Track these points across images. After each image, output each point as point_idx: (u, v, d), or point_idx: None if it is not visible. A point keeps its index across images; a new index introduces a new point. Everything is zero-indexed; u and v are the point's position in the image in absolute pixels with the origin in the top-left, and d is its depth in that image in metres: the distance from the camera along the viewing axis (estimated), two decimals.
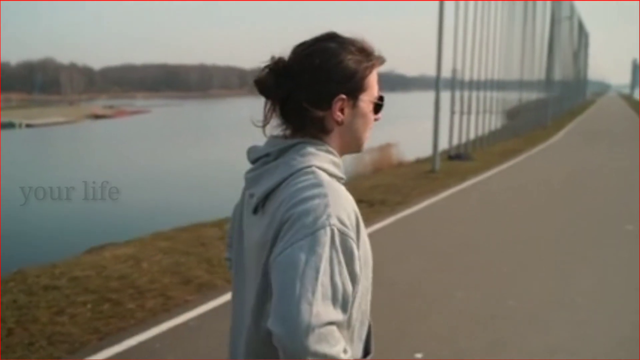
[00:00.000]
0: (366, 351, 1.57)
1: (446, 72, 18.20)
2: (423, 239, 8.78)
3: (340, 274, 1.32)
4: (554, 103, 50.62)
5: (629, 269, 7.10)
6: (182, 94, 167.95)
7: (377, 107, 1.57)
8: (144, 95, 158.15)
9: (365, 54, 1.53)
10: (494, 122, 32.15)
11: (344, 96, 1.49)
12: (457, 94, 21.24)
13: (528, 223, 9.68)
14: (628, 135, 32.16)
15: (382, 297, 4.27)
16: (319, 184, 1.40)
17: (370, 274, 1.52)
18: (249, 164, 1.58)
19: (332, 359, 1.27)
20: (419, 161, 19.52)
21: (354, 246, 1.37)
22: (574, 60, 60.17)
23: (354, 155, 1.77)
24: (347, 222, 1.37)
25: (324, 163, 1.48)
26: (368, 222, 8.25)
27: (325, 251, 1.31)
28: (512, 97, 38.55)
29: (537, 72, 40.15)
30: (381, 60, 1.56)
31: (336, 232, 1.34)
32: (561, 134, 32.06)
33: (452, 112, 20.16)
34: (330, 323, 1.28)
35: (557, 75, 50.23)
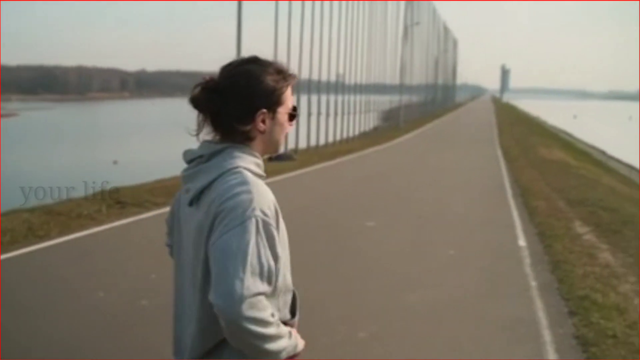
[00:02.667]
0: (292, 314, 1.88)
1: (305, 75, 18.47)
2: None
3: (265, 254, 1.65)
4: (417, 106, 52.32)
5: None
6: (59, 97, 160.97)
7: (292, 116, 1.90)
8: (20, 98, 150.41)
9: (282, 75, 1.85)
10: (366, 123, 33.17)
11: (264, 110, 1.81)
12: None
13: None
14: (477, 137, 33.70)
15: None
16: (245, 182, 1.72)
17: (288, 252, 1.83)
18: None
19: (262, 321, 1.62)
20: None
21: (275, 232, 1.71)
22: (435, 65, 62.22)
23: None
24: (268, 213, 1.70)
25: (249, 164, 1.79)
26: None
27: (252, 237, 1.64)
28: (383, 100, 39.80)
29: (394, 77, 41.26)
30: (294, 79, 1.88)
31: (260, 221, 1.67)
32: (408, 136, 32.94)
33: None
34: (259, 294, 1.62)
35: (418, 79, 51.83)
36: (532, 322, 5.46)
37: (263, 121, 1.81)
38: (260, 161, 1.84)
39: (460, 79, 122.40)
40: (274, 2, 20.03)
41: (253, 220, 1.65)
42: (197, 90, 1.80)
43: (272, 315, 1.66)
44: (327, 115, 25.34)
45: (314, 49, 23.67)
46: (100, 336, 4.88)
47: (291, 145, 21.72)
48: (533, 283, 6.73)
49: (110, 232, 8.82)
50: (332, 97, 26.67)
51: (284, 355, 1.74)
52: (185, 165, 1.86)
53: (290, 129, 1.92)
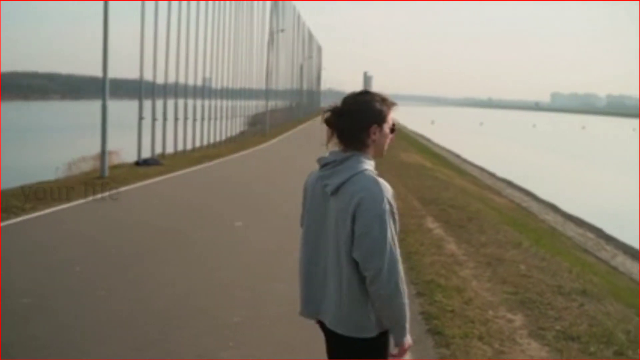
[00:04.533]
0: None
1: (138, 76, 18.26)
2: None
3: (394, 233, 2.49)
4: (283, 111, 53.17)
5: None
6: None
7: (392, 130, 2.65)
8: None
9: (385, 102, 2.63)
10: (233, 128, 33.23)
11: (376, 125, 2.58)
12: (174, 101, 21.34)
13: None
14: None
15: None
16: (375, 181, 2.51)
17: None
18: None
19: (401, 278, 2.49)
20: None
21: (395, 212, 2.52)
22: (300, 71, 63.49)
23: None
24: (391, 201, 2.50)
25: (370, 167, 2.57)
26: None
27: (388, 221, 2.46)
28: (249, 104, 40.04)
29: (262, 82, 41.77)
30: (394, 105, 2.67)
31: (389, 208, 2.48)
32: (274, 140, 33.63)
33: (141, 118, 20.06)
34: (397, 258, 2.48)
35: (283, 84, 52.71)
36: None
37: (374, 133, 2.58)
38: (373, 163, 2.61)
39: (325, 85, 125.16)
40: (140, 2, 19.93)
41: (386, 207, 2.45)
42: (328, 114, 2.62)
43: None
44: (194, 119, 25.43)
45: (180, 51, 23.73)
46: None
47: (158, 150, 21.74)
48: None
49: None
50: (198, 102, 26.68)
51: (407, 329, 2.55)
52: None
53: (391, 139, 2.66)
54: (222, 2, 28.49)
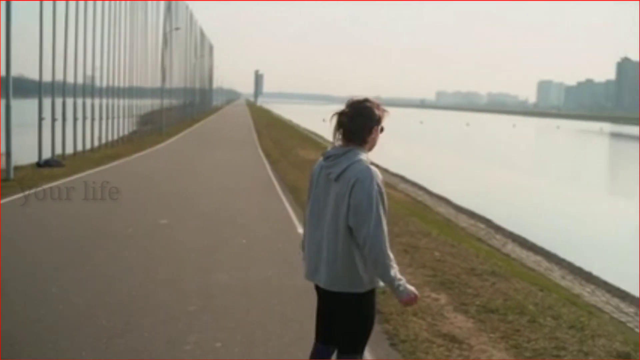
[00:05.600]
0: None
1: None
2: None
3: (382, 206, 3.15)
4: (177, 109, 52.59)
5: None
6: None
7: (381, 130, 3.38)
8: None
9: (379, 108, 3.35)
10: (124, 128, 32.47)
11: (375, 126, 3.33)
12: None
13: None
14: (238, 139, 35.20)
15: None
16: (367, 168, 3.19)
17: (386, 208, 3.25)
18: None
19: (386, 240, 3.14)
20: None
21: (383, 193, 3.17)
22: (193, 70, 62.98)
23: None
24: (380, 184, 3.17)
25: (365, 158, 3.25)
26: None
27: (376, 197, 3.12)
28: (141, 103, 39.25)
29: (155, 80, 41.18)
30: (385, 111, 3.39)
31: (377, 189, 3.15)
32: (172, 139, 33.37)
33: (41, 119, 19.55)
34: (383, 228, 3.14)
35: (177, 82, 52.15)
36: None
37: (373, 133, 3.32)
38: (368, 155, 3.29)
39: (216, 83, 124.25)
40: (38, 1, 19.39)
41: (375, 187, 3.13)
42: (340, 116, 3.31)
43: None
44: (84, 119, 24.52)
45: (78, 50, 23.21)
46: None
47: (57, 151, 21.13)
48: None
49: None
50: (91, 101, 25.72)
51: (401, 287, 3.13)
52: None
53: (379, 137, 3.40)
54: (117, 2, 28.16)
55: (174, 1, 43.99)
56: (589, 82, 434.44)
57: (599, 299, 11.18)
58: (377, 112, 3.33)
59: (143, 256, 8.06)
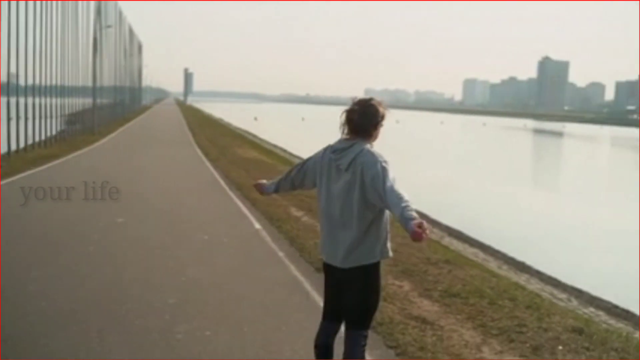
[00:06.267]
0: None
1: None
2: None
3: (392, 177, 3.55)
4: (107, 108, 51.58)
5: None
6: None
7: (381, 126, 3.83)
8: None
9: (382, 106, 3.79)
10: (54, 127, 31.53)
11: (380, 123, 3.78)
12: None
13: None
14: (174, 138, 34.92)
15: None
16: (371, 152, 3.64)
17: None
18: None
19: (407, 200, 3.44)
20: None
21: (388, 168, 3.57)
22: (124, 69, 61.92)
23: None
24: (384, 162, 3.58)
25: (368, 147, 3.69)
26: None
27: (384, 168, 3.56)
28: (71, 102, 38.23)
29: (88, 78, 40.32)
30: (386, 109, 3.81)
31: (383, 164, 3.58)
32: (107, 139, 32.85)
33: None
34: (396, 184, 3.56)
35: (107, 81, 51.17)
36: (296, 283, 7.02)
37: (378, 128, 3.77)
38: (370, 146, 3.71)
39: (144, 82, 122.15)
40: None
41: (383, 163, 3.57)
42: (350, 113, 3.72)
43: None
44: (9, 119, 23.72)
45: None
46: None
47: None
48: (281, 254, 8.34)
49: None
50: (15, 100, 24.97)
51: (416, 220, 3.32)
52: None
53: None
54: (48, 2, 27.59)
55: (104, 1, 43.18)
56: (512, 80, 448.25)
57: (534, 286, 11.86)
58: (381, 110, 3.78)
59: (110, 254, 8.12)
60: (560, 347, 5.20)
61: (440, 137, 71.26)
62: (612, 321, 8.40)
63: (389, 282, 6.97)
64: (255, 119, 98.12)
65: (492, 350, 5.12)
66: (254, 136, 55.28)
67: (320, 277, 7.09)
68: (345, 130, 3.76)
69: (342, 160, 3.68)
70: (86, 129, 37.42)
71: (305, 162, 3.99)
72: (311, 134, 67.00)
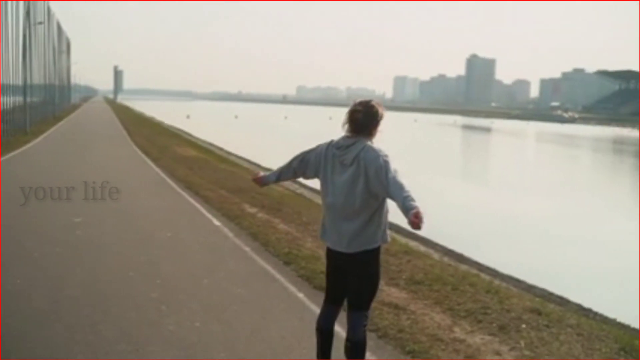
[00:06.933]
0: None
1: None
2: None
3: (394, 165, 3.95)
4: (38, 107, 50.21)
5: None
6: None
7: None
8: None
9: (381, 107, 4.16)
10: None
11: (379, 123, 4.15)
12: None
13: None
14: (110, 137, 34.38)
15: None
16: (373, 148, 4.01)
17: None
18: None
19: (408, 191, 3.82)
20: None
21: (389, 161, 3.94)
22: (54, 66, 60.38)
23: None
24: (386, 156, 3.96)
25: (369, 143, 4.03)
26: None
27: (386, 161, 3.94)
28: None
29: (17, 76, 39.21)
30: (384, 110, 4.19)
31: (385, 158, 3.96)
32: (40, 139, 32.09)
33: None
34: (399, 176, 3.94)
35: (37, 79, 49.85)
36: (267, 273, 7.31)
37: (377, 128, 4.12)
38: (371, 143, 4.06)
39: (75, 80, 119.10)
40: None
41: (384, 158, 3.93)
42: (354, 113, 4.09)
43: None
44: None
45: None
46: None
47: None
48: (247, 249, 8.59)
49: None
50: None
51: (414, 210, 3.66)
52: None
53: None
54: None
55: (33, 0, 42.05)
56: (441, 78, 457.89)
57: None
58: (380, 111, 4.16)
59: (78, 254, 8.19)
60: (523, 326, 5.70)
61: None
62: (552, 305, 9.01)
63: None
64: (188, 117, 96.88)
65: (463, 330, 5.56)
66: (189, 135, 54.78)
67: (290, 270, 7.51)
68: (348, 129, 4.10)
69: (347, 156, 4.02)
70: (18, 129, 36.42)
71: (306, 155, 4.28)
72: (246, 131, 66.98)
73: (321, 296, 6.34)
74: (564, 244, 14.46)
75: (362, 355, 4.10)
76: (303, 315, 5.84)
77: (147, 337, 5.18)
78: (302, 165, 4.30)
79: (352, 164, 4.00)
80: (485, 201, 22.79)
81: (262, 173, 4.59)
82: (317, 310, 5.86)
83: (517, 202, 21.92)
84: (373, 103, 4.16)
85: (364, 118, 4.09)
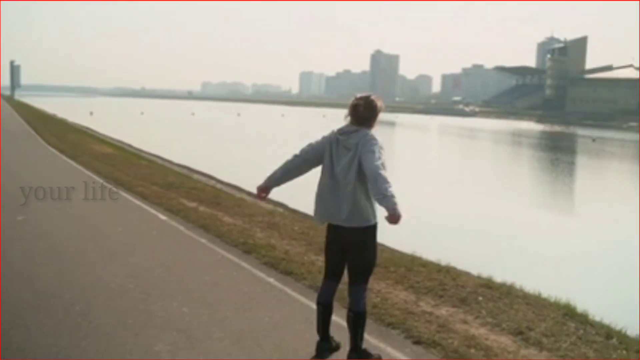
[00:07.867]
0: None
1: None
2: None
3: (383, 157, 4.44)
4: None
5: None
6: None
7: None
8: None
9: (380, 100, 4.70)
10: None
11: (378, 114, 4.67)
12: None
13: None
14: (16, 135, 33.15)
15: None
16: (372, 135, 4.54)
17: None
18: None
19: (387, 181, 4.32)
20: None
21: (381, 150, 4.47)
22: None
23: None
24: (380, 144, 4.50)
25: (370, 133, 4.55)
26: None
27: (378, 148, 4.46)
28: None
29: None
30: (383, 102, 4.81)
31: (377, 145, 4.46)
32: None
33: None
34: (384, 168, 4.39)
35: None
36: (231, 262, 7.64)
37: (376, 119, 4.59)
38: (370, 132, 4.55)
39: None
40: None
41: (378, 143, 4.43)
42: (357, 106, 4.56)
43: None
44: None
45: None
46: None
47: None
48: (203, 240, 8.87)
49: None
50: None
51: (397, 206, 4.17)
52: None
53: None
54: None
55: None
56: (346, 73, 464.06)
57: None
58: (379, 104, 4.67)
59: (38, 250, 8.20)
60: (480, 298, 6.33)
61: (287, 129, 72.69)
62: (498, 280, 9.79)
63: (311, 258, 7.78)
64: (92, 114, 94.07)
65: (428, 305, 6.12)
66: (96, 132, 53.35)
67: (252, 258, 7.86)
68: (350, 120, 4.58)
69: (350, 141, 4.51)
70: None
71: (309, 144, 4.75)
72: (154, 128, 65.76)
73: (289, 280, 6.89)
74: (468, 233, 15.15)
75: (363, 324, 4.57)
76: (280, 297, 6.24)
77: (143, 323, 5.43)
78: (310, 150, 4.71)
79: (352, 149, 4.47)
80: (399, 193, 23.60)
81: (260, 185, 4.91)
82: (291, 292, 6.36)
83: (428, 194, 22.90)
84: (373, 97, 4.65)
85: (364, 110, 4.56)
